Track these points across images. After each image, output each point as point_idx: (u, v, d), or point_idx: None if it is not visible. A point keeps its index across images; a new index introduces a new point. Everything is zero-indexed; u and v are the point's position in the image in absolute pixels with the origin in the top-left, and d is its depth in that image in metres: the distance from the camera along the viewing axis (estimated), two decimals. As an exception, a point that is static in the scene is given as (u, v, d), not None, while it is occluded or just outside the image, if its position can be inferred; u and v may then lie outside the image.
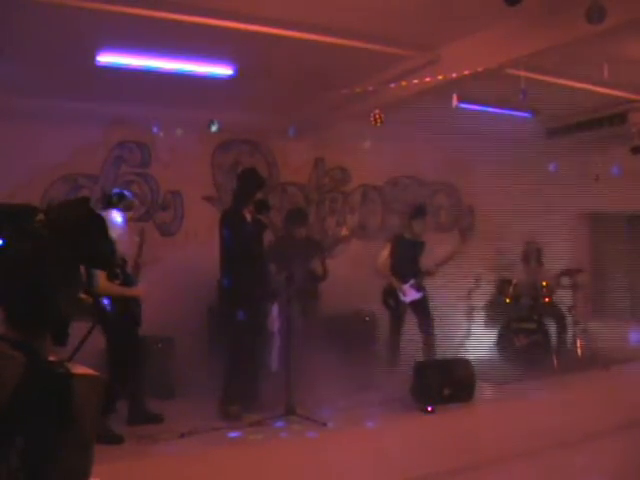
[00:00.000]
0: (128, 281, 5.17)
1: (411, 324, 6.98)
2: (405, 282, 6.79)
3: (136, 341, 5.21)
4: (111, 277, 4.97)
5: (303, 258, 6.19)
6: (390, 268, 6.84)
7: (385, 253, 6.92)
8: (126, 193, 5.35)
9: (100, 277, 4.86)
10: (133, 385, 5.23)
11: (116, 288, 4.99)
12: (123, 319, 5.00)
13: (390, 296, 6.88)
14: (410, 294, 6.80)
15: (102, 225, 1.74)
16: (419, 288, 6.82)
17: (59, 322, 1.59)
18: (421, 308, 6.85)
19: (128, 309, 5.08)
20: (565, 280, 7.98)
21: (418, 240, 7.02)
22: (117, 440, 4.65)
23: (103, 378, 1.60)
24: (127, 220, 5.21)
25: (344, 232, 7.54)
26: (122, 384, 5.06)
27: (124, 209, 5.16)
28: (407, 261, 6.85)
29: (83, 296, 1.70)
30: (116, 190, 5.38)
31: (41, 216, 1.62)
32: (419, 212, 7.05)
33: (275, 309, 5.86)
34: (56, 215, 1.64)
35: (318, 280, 6.64)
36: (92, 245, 1.68)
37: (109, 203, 5.16)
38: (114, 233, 5.01)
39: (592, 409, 6.08)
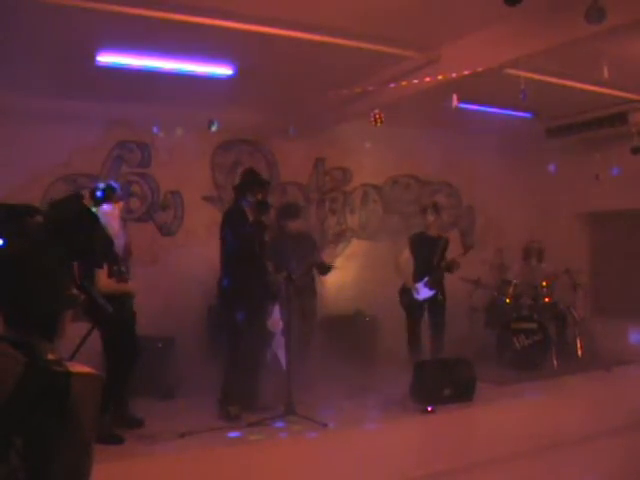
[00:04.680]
0: (123, 277, 5.13)
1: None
2: (419, 280, 6.79)
3: (133, 340, 5.16)
4: (111, 274, 4.97)
5: (299, 253, 6.14)
6: (413, 267, 6.85)
7: (406, 254, 6.91)
8: (112, 184, 5.23)
9: (102, 274, 4.86)
10: (121, 386, 5.05)
11: (113, 284, 4.98)
12: (120, 315, 4.96)
13: (405, 295, 6.86)
14: (423, 292, 6.79)
15: (94, 221, 1.74)
16: (432, 286, 6.80)
17: (48, 319, 1.60)
18: (436, 307, 6.85)
19: (124, 305, 5.04)
20: (565, 280, 7.98)
21: (441, 237, 7.02)
22: (117, 440, 4.64)
23: (102, 376, 1.61)
24: (120, 213, 5.15)
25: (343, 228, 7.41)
26: (120, 382, 5.04)
27: (115, 201, 5.06)
28: (427, 259, 6.86)
29: (75, 292, 1.70)
30: (101, 184, 5.19)
31: (39, 217, 1.62)
32: (427, 208, 7.04)
33: (277, 310, 5.84)
34: (50, 213, 1.65)
35: (326, 271, 6.57)
36: (85, 241, 1.69)
37: (102, 198, 5.01)
38: (111, 228, 4.97)
39: (592, 410, 6.08)
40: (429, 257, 6.87)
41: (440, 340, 6.76)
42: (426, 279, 6.79)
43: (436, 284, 6.83)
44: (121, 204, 5.19)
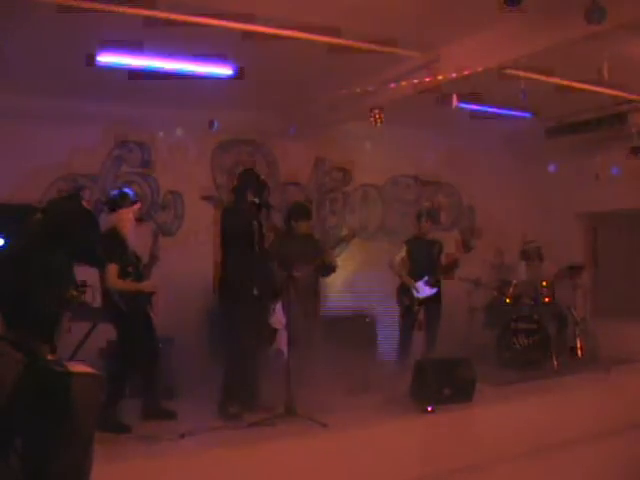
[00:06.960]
0: (140, 279, 5.19)
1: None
2: (418, 279, 6.83)
3: (151, 337, 5.25)
4: (123, 275, 5.01)
5: (306, 254, 6.12)
6: (408, 270, 6.87)
7: (402, 255, 6.95)
8: (126, 190, 5.35)
9: (112, 274, 4.90)
10: (148, 380, 5.28)
11: (124, 283, 5.02)
12: (133, 314, 5.03)
13: (404, 294, 6.88)
14: (423, 290, 6.81)
15: (92, 220, 1.75)
16: (433, 285, 6.83)
17: (48, 319, 1.61)
18: (433, 307, 6.86)
19: (137, 304, 5.09)
20: (565, 280, 7.97)
21: (435, 241, 7.08)
22: (123, 429, 4.70)
23: (102, 376, 1.61)
24: (135, 217, 5.25)
25: (345, 232, 7.35)
26: (125, 380, 5.07)
27: (129, 205, 5.17)
28: (424, 262, 6.89)
29: (74, 293, 1.71)
30: (116, 191, 5.37)
31: (39, 215, 1.63)
32: (421, 214, 7.12)
33: (279, 308, 5.82)
34: (49, 212, 1.66)
35: (329, 272, 6.56)
36: (83, 240, 1.69)
37: (115, 205, 5.15)
38: (126, 232, 5.07)
39: (592, 410, 6.07)
40: (427, 258, 6.91)
41: (434, 339, 6.77)
42: (426, 278, 6.83)
43: (436, 283, 6.85)
44: (135, 209, 5.25)
